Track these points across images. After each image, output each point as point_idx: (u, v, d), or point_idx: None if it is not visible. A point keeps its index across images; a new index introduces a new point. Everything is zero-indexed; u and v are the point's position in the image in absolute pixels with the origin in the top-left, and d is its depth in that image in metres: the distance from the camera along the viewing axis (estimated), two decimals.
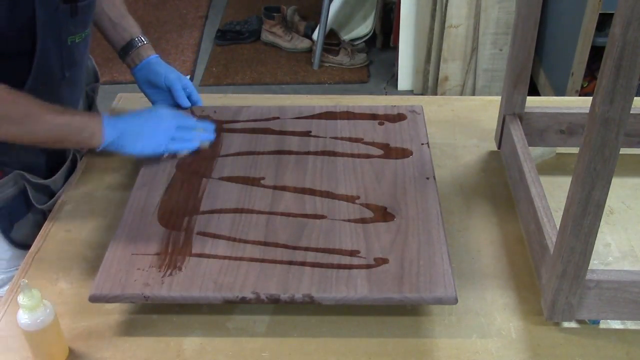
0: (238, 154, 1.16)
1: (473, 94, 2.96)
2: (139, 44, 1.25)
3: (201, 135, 1.16)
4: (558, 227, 0.85)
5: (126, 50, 1.25)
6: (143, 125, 1.12)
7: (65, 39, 1.08)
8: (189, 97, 1.28)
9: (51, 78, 1.10)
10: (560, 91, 2.63)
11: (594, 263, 1.01)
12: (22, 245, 1.14)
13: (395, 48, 3.16)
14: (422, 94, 3.03)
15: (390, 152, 1.16)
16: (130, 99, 1.36)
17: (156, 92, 1.27)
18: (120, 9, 1.26)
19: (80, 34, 1.12)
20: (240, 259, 0.94)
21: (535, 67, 2.89)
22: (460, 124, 1.34)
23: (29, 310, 0.82)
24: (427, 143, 1.17)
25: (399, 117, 1.25)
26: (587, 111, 0.74)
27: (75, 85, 1.19)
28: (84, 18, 1.11)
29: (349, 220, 1.00)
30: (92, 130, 1.06)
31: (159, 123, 1.13)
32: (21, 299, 0.81)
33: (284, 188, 1.08)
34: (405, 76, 3.11)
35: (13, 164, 1.11)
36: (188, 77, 3.22)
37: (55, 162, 1.20)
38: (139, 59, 1.25)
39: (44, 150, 1.16)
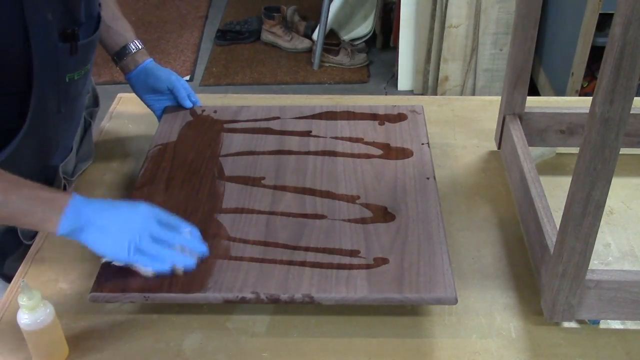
0: (238, 154, 1.16)
1: (473, 94, 2.96)
2: (134, 50, 1.22)
3: (178, 256, 0.91)
4: (558, 227, 0.85)
5: (120, 56, 1.21)
6: (110, 222, 0.90)
7: (64, 76, 1.01)
8: (188, 98, 1.28)
9: (46, 114, 1.01)
10: (560, 91, 2.63)
11: (594, 263, 1.01)
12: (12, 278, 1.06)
13: (395, 48, 3.16)
14: (422, 94, 3.03)
15: (390, 152, 1.16)
16: (130, 99, 1.36)
17: (156, 97, 1.27)
18: (114, 10, 1.20)
19: (79, 71, 1.04)
20: (240, 258, 0.94)
21: (535, 67, 2.89)
22: (460, 124, 1.34)
23: (29, 310, 0.82)
24: (428, 143, 1.17)
25: (399, 117, 1.25)
26: (587, 111, 0.74)
27: (71, 119, 1.12)
28: (85, 55, 1.04)
29: (349, 220, 1.00)
30: (47, 215, 0.88)
31: (130, 225, 0.90)
32: (21, 299, 0.81)
33: (284, 188, 1.08)
34: (405, 76, 3.11)
35: None
36: (188, 77, 3.23)
37: None
38: (134, 65, 1.22)
39: (43, 179, 1.07)
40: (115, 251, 0.89)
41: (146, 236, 0.90)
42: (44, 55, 0.94)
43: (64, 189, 1.14)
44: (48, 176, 1.10)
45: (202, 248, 0.93)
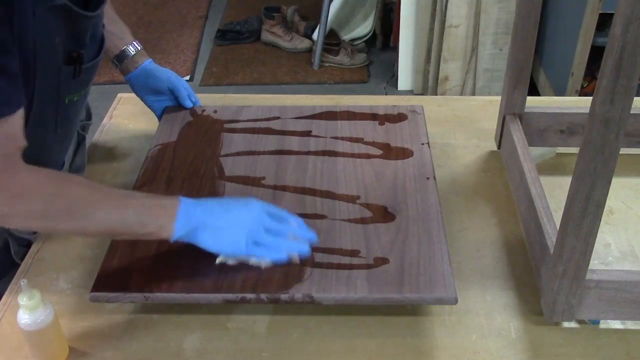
0: (238, 153, 1.16)
1: (473, 94, 2.96)
2: (133, 52, 1.21)
3: (292, 244, 0.93)
4: (558, 227, 0.85)
5: (120, 59, 1.21)
6: (224, 220, 0.91)
7: (64, 98, 1.00)
8: (188, 98, 1.28)
9: (42, 134, 1.00)
10: (560, 91, 2.63)
11: (594, 263, 1.01)
12: None
13: (395, 48, 3.16)
14: (422, 94, 3.03)
15: (390, 152, 1.16)
16: (130, 99, 1.36)
17: (156, 97, 1.26)
18: (111, 14, 1.19)
19: (79, 92, 1.03)
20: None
21: (535, 67, 2.89)
22: (460, 124, 1.34)
23: (29, 310, 0.81)
24: (428, 143, 1.18)
25: (399, 117, 1.25)
26: (587, 111, 0.74)
27: (67, 138, 1.11)
28: (87, 77, 1.03)
29: (349, 220, 1.00)
30: (161, 221, 0.88)
31: (244, 220, 0.92)
32: (21, 299, 0.81)
33: (284, 188, 1.08)
34: (405, 76, 3.11)
35: None
36: (188, 77, 3.23)
37: None
38: (134, 66, 1.22)
39: None
40: (233, 247, 0.90)
41: (260, 229, 0.92)
42: (47, 77, 0.92)
43: None
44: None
45: (310, 235, 0.95)
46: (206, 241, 0.90)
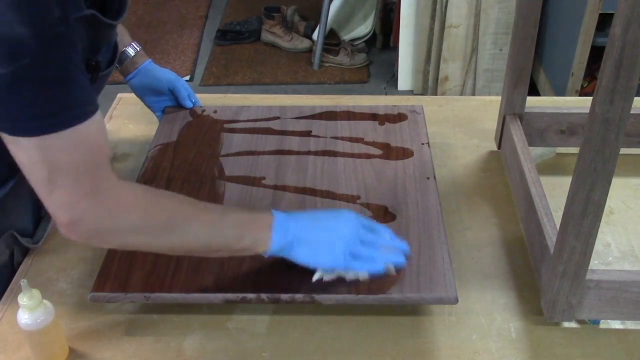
0: (238, 153, 1.16)
1: (473, 94, 2.96)
2: (132, 53, 1.21)
3: (388, 255, 0.90)
4: (558, 227, 0.85)
5: (120, 61, 1.20)
6: (320, 233, 0.89)
7: None
8: (188, 98, 1.28)
9: None
10: (560, 91, 2.63)
11: (594, 263, 1.01)
12: None
13: (395, 48, 3.16)
14: (422, 94, 3.03)
15: (390, 152, 1.16)
16: (130, 99, 1.36)
17: (156, 97, 1.26)
18: None
19: None
20: (241, 258, 0.93)
21: (535, 67, 2.89)
22: (460, 124, 1.34)
23: (29, 310, 0.81)
24: (428, 143, 1.18)
25: (399, 117, 1.25)
26: (587, 111, 0.74)
27: None
28: (100, 85, 1.02)
29: None
30: (258, 236, 0.86)
31: (340, 232, 0.89)
32: (21, 298, 0.81)
33: (284, 188, 1.08)
34: (405, 76, 3.11)
35: (3, 226, 0.99)
36: (188, 77, 3.23)
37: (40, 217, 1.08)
38: (134, 67, 1.22)
39: (34, 207, 1.04)
40: (331, 261, 0.88)
41: (357, 241, 0.89)
42: None
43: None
44: (37, 201, 1.04)
45: (403, 246, 0.92)
46: (303, 256, 0.87)
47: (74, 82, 0.74)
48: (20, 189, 0.98)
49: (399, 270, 0.90)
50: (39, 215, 1.07)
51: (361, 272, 0.89)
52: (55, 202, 0.76)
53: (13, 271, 1.03)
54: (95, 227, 0.78)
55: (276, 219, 0.87)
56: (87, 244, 0.82)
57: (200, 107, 1.29)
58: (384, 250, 0.90)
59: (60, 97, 0.73)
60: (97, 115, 0.77)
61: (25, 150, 0.73)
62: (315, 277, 0.89)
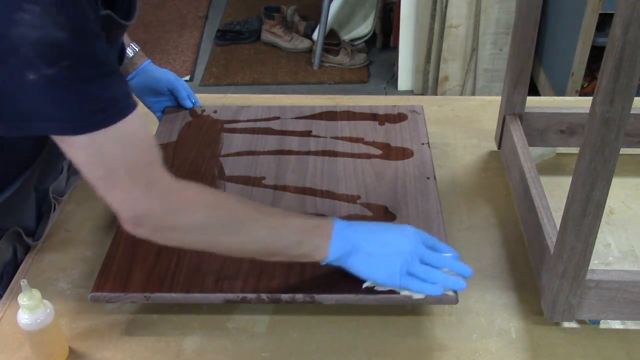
0: (238, 153, 1.16)
1: (473, 94, 2.96)
2: (131, 54, 1.21)
3: (448, 278, 0.86)
4: (558, 227, 0.85)
5: (119, 61, 1.19)
6: (379, 246, 0.86)
7: None
8: (188, 98, 1.28)
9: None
10: (560, 91, 2.63)
11: (594, 263, 1.01)
12: None
13: (395, 48, 3.16)
14: (422, 94, 3.03)
15: (390, 152, 1.16)
16: None
17: (156, 98, 1.26)
18: None
19: None
20: (241, 258, 0.93)
21: (535, 67, 2.89)
22: (460, 124, 1.34)
23: (29, 310, 0.81)
24: (428, 143, 1.18)
25: (399, 117, 1.25)
26: (587, 111, 0.74)
27: None
28: None
29: (349, 220, 1.00)
30: (317, 243, 0.84)
31: (400, 248, 0.86)
32: (21, 299, 0.81)
33: (284, 188, 1.08)
34: (405, 76, 3.11)
35: (6, 224, 1.00)
36: (188, 77, 3.23)
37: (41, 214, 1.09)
38: (133, 68, 1.22)
39: (36, 205, 1.06)
40: (386, 276, 0.86)
41: (416, 259, 0.86)
42: None
43: (54, 208, 1.10)
44: (39, 198, 1.06)
45: (466, 270, 0.88)
46: (359, 267, 0.86)
47: (114, 78, 0.76)
48: (26, 188, 0.99)
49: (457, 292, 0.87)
50: (40, 213, 1.07)
51: (416, 291, 0.86)
52: (116, 199, 0.77)
53: (16, 268, 1.03)
54: (158, 224, 0.80)
55: (336, 227, 0.85)
56: (152, 239, 0.82)
57: (200, 107, 1.29)
58: (445, 271, 0.87)
59: (103, 94, 0.74)
60: (139, 109, 0.78)
61: (77, 150, 0.75)
62: (366, 285, 0.88)
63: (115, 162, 0.75)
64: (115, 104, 0.75)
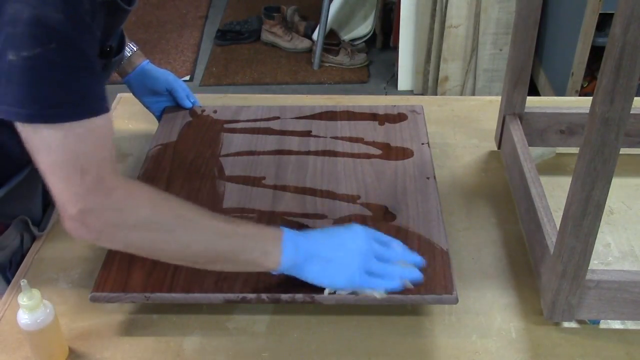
0: (238, 153, 1.16)
1: (473, 94, 2.96)
2: (129, 53, 1.21)
3: (404, 271, 0.86)
4: (558, 227, 0.85)
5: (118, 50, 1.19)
6: (333, 250, 0.85)
7: None
8: (187, 98, 1.28)
9: None
10: (560, 91, 2.63)
11: (594, 263, 1.01)
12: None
13: (395, 48, 3.16)
14: (422, 94, 3.03)
15: (390, 152, 1.16)
16: (130, 99, 1.36)
17: (154, 98, 1.26)
18: None
19: None
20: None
21: (535, 67, 2.89)
22: (460, 124, 1.34)
23: (29, 310, 0.81)
24: (428, 143, 1.18)
25: (399, 117, 1.25)
26: (587, 111, 0.74)
27: None
28: (110, 72, 1.03)
29: (349, 220, 1.00)
30: (266, 248, 0.82)
31: (354, 249, 0.86)
32: (21, 299, 0.81)
33: (284, 188, 1.08)
34: (405, 76, 3.11)
35: (14, 212, 1.02)
36: (188, 77, 3.23)
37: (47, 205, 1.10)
38: (132, 67, 1.21)
39: (43, 195, 1.06)
40: (346, 280, 0.84)
41: (371, 257, 0.86)
42: None
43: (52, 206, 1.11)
44: (44, 190, 1.04)
45: (416, 259, 0.88)
46: (316, 275, 0.84)
47: (93, 76, 0.75)
48: (33, 177, 0.99)
49: (415, 284, 0.86)
50: (46, 203, 1.08)
51: (377, 289, 0.85)
52: (63, 193, 0.75)
53: (23, 257, 1.04)
54: (103, 220, 0.77)
55: (286, 233, 0.84)
56: (93, 240, 0.79)
57: (200, 107, 1.30)
58: (400, 264, 0.87)
59: (81, 88, 0.73)
60: (110, 114, 0.77)
61: (36, 139, 0.73)
62: (326, 292, 0.86)
63: (73, 156, 0.73)
64: (88, 100, 0.74)
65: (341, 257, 0.85)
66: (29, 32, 0.68)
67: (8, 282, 1.02)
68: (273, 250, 0.82)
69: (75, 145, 0.73)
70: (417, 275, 0.86)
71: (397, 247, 0.89)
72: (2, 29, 0.69)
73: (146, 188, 0.81)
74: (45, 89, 0.71)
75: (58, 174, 0.74)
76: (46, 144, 0.73)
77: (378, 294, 0.85)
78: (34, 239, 1.07)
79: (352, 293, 0.86)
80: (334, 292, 0.86)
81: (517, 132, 1.15)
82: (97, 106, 0.75)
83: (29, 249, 1.05)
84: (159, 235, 0.79)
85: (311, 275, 0.84)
